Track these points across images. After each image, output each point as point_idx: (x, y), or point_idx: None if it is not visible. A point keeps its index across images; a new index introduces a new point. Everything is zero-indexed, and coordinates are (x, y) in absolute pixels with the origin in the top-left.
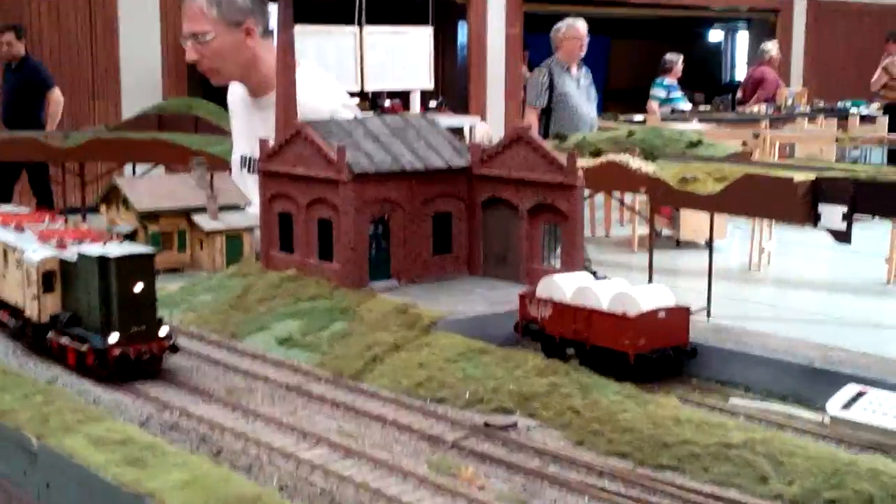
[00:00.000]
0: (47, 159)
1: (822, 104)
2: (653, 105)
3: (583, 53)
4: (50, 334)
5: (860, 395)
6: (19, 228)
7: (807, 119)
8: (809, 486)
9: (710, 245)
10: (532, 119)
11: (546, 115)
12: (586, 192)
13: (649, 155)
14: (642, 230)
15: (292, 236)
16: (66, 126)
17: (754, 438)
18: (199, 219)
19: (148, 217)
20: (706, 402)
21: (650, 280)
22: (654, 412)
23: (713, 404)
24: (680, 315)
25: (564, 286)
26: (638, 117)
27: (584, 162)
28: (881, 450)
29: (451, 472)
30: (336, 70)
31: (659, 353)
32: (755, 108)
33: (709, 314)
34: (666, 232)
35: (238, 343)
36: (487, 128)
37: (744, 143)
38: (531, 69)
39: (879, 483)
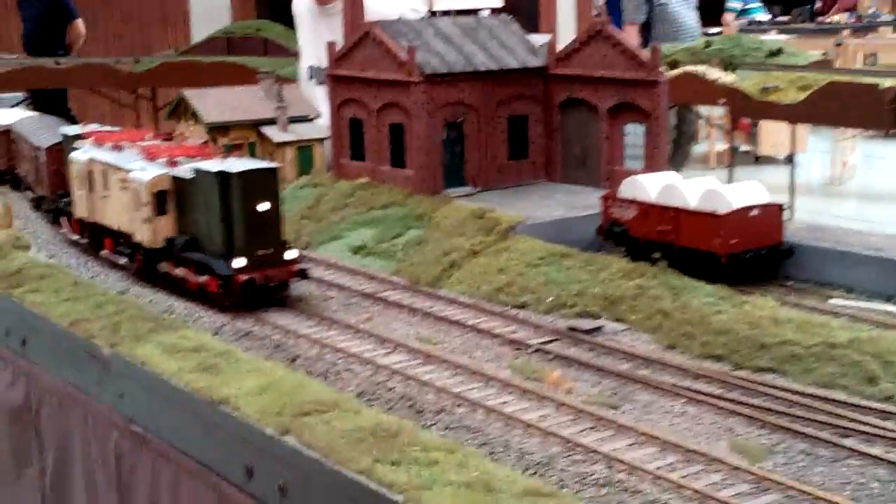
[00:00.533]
0: (119, 85)
1: None
2: (728, 17)
3: None
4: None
5: None
6: (117, 147)
7: (891, 28)
8: None
9: (791, 159)
10: (632, 36)
11: (646, 30)
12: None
13: (728, 65)
14: (720, 145)
15: (363, 143)
16: (136, 52)
17: (860, 338)
18: (268, 131)
19: (217, 129)
20: (805, 303)
21: None
22: (750, 313)
23: (813, 305)
24: (773, 213)
25: (649, 186)
26: (714, 30)
27: None
28: None
29: (536, 375)
30: None
31: (752, 253)
32: (836, 18)
33: None
34: (744, 147)
35: (312, 252)
36: None
37: (824, 54)
38: None
39: None
